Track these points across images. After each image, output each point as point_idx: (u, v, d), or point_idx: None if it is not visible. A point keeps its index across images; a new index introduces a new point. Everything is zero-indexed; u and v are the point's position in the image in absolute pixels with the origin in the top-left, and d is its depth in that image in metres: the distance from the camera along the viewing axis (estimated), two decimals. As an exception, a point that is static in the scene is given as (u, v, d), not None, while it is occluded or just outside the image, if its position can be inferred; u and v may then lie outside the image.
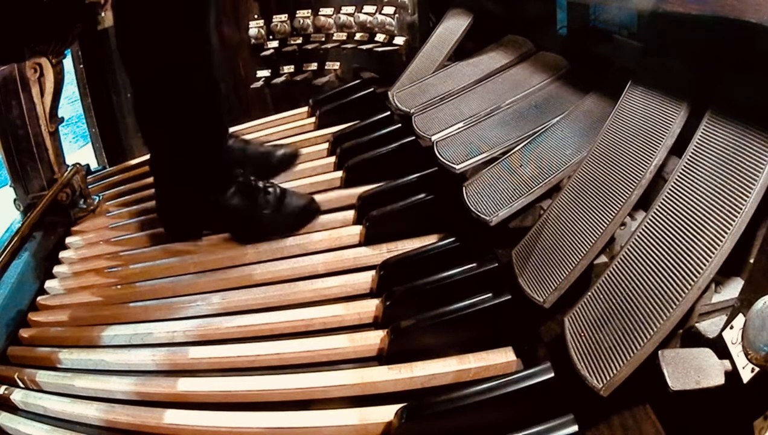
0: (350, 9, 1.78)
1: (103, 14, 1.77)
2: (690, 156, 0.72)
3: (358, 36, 1.79)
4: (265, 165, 1.45)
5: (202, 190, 1.18)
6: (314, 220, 1.22)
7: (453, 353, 0.83)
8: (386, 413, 0.76)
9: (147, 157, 1.79)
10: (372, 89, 1.63)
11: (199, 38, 1.06)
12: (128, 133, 1.93)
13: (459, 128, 1.18)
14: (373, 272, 1.04)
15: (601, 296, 0.70)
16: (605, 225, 0.77)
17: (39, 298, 1.27)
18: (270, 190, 1.21)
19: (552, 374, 0.71)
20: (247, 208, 1.18)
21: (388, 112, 1.49)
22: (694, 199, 0.68)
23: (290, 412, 0.82)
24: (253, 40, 1.87)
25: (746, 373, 0.55)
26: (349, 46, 1.78)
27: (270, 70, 1.88)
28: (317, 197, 1.31)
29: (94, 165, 1.90)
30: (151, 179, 1.62)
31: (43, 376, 1.02)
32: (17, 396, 1.00)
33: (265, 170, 1.43)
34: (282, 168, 1.45)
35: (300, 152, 1.49)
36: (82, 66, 1.83)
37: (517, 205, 0.93)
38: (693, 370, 0.57)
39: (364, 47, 1.74)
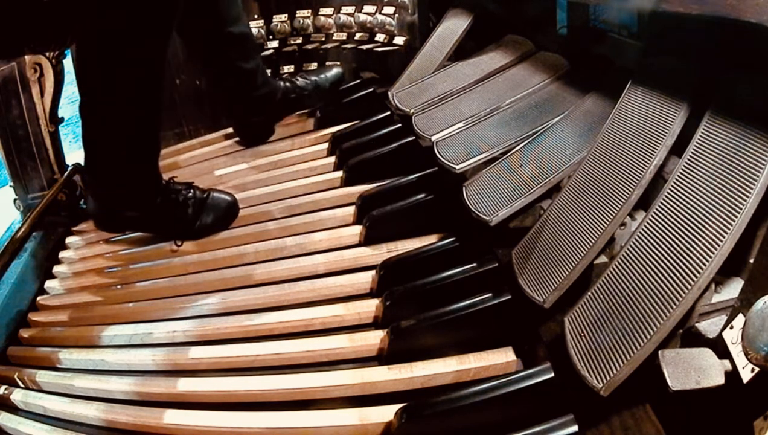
0: (350, 9, 1.78)
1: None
2: (690, 156, 0.72)
3: (358, 36, 1.79)
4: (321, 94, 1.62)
5: (135, 198, 1.24)
6: (236, 217, 1.32)
7: (453, 353, 0.83)
8: (386, 413, 0.77)
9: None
10: (372, 89, 1.63)
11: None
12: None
13: (459, 128, 1.18)
14: (373, 272, 1.04)
15: (601, 296, 0.70)
16: (605, 225, 0.77)
17: (39, 298, 1.27)
18: (191, 193, 1.30)
19: (552, 374, 0.71)
20: (174, 213, 1.27)
21: (388, 112, 1.49)
22: (694, 199, 0.68)
23: (290, 412, 0.82)
24: (253, 41, 1.86)
25: (746, 373, 0.55)
26: (349, 46, 1.78)
27: (270, 71, 1.87)
28: (317, 196, 1.32)
29: (94, 165, 1.90)
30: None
31: (43, 376, 1.02)
32: (17, 396, 1.00)
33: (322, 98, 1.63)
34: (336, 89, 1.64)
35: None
36: (82, 66, 1.82)
37: (517, 205, 0.93)
38: (693, 370, 0.57)
39: (364, 47, 1.74)
